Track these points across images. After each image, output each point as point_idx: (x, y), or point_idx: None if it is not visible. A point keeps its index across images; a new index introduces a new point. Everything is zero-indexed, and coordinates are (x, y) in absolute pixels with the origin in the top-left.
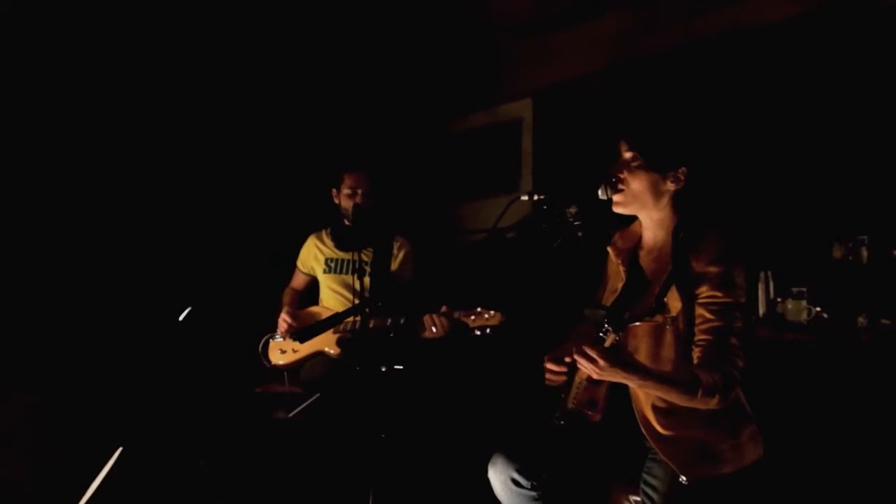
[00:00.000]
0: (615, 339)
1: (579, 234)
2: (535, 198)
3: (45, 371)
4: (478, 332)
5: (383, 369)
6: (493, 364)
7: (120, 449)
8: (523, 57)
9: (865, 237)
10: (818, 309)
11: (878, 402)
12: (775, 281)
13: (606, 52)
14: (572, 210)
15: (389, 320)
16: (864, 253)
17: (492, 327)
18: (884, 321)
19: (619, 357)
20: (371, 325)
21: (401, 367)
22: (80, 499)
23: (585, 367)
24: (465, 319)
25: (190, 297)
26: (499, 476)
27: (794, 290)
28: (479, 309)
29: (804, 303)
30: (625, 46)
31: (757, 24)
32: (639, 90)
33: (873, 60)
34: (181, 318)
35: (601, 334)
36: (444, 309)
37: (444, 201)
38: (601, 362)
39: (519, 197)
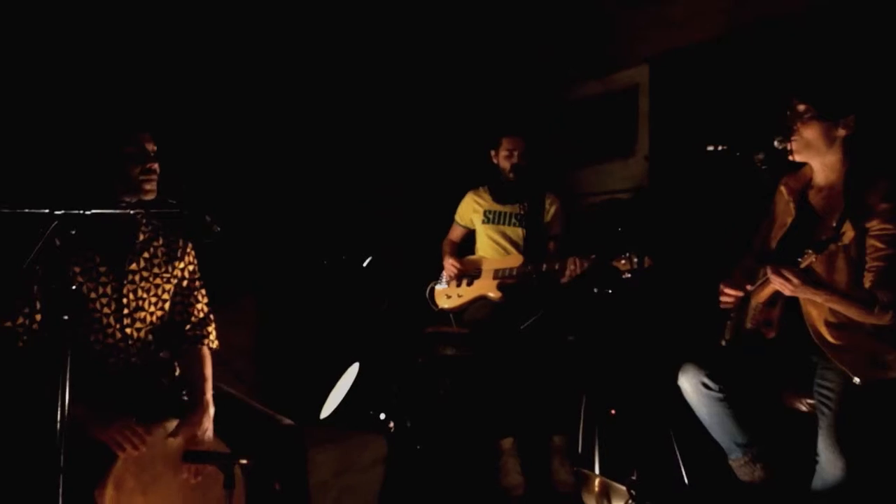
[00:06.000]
0: (812, 262)
1: (767, 177)
2: (719, 148)
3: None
4: (628, 275)
5: (595, 290)
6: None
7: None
8: (638, 27)
9: None
10: None
11: None
12: None
13: (719, 21)
14: (760, 156)
15: (545, 266)
16: None
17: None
18: None
19: (811, 276)
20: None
21: (609, 292)
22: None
23: (778, 285)
24: (616, 265)
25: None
26: (690, 381)
27: None
28: (628, 254)
29: None
30: (738, 14)
31: None
32: (759, 52)
33: None
34: (365, 264)
35: (798, 258)
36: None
37: (562, 167)
38: (795, 280)
39: (706, 148)
